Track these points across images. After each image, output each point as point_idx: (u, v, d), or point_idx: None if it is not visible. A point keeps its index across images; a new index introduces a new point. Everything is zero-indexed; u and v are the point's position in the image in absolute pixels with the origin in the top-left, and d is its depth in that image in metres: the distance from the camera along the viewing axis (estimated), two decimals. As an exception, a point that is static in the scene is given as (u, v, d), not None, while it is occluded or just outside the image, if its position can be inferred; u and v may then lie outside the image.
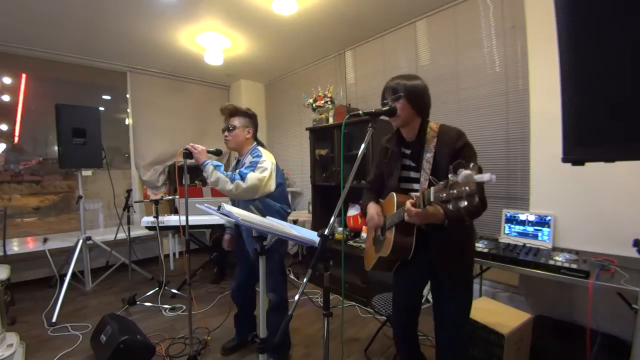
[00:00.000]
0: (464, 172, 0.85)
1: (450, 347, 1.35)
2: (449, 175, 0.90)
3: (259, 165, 1.78)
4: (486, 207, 1.15)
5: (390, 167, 1.39)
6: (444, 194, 0.91)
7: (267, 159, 1.83)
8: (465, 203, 0.85)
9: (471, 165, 0.85)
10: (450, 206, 0.89)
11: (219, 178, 1.71)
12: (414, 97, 1.26)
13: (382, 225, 1.36)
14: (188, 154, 1.75)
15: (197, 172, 4.45)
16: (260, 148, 1.93)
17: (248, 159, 1.85)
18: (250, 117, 1.96)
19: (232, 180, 1.72)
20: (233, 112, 1.92)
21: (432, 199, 0.98)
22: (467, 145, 1.22)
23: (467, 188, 0.84)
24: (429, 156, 1.24)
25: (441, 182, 0.94)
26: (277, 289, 1.94)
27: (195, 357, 1.89)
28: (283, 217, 1.87)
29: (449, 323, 1.34)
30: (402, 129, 1.35)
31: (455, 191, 0.87)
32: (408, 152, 1.35)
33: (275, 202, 1.88)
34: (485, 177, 0.81)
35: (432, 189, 0.99)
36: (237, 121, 1.89)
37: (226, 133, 1.89)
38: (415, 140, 1.32)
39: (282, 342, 2.01)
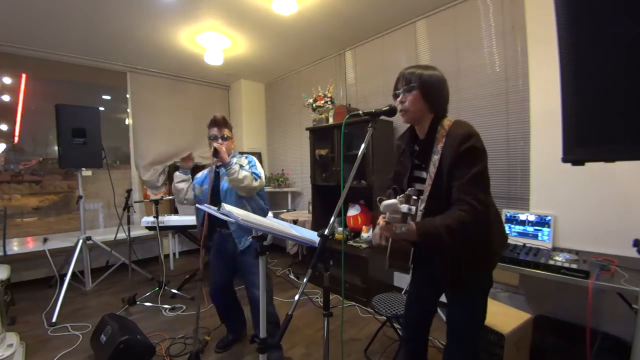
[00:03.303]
0: (384, 202, 0.94)
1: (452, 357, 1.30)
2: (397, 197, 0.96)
3: (257, 166, 1.98)
4: (473, 223, 1.05)
5: (404, 165, 1.33)
6: (392, 217, 0.95)
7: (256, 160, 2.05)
8: (403, 229, 0.93)
9: (408, 190, 0.93)
10: (395, 229, 0.95)
11: (247, 175, 1.87)
12: (429, 89, 1.17)
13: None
14: (216, 153, 1.88)
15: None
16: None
17: (241, 161, 1.99)
18: (231, 129, 2.15)
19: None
20: (226, 123, 2.07)
21: (387, 219, 0.99)
22: (468, 151, 1.08)
23: (395, 216, 0.93)
24: (435, 158, 1.15)
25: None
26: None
27: (197, 353, 1.90)
28: (266, 214, 2.08)
29: (453, 333, 1.29)
30: (415, 125, 1.26)
31: (392, 216, 0.94)
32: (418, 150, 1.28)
33: (262, 200, 2.06)
34: (403, 207, 0.92)
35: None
36: (228, 132, 2.05)
37: (220, 141, 1.99)
38: (425, 138, 1.22)
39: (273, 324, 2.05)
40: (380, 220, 1.09)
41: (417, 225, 1.02)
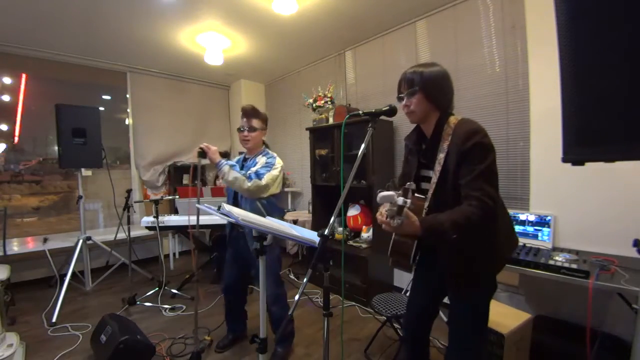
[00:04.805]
0: (380, 193, 0.94)
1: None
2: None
3: (274, 166, 1.90)
4: (482, 219, 1.02)
5: (410, 164, 1.33)
6: (390, 209, 0.93)
7: (279, 161, 1.95)
8: (398, 221, 0.91)
9: (407, 184, 0.93)
10: (392, 221, 0.93)
11: (237, 177, 1.78)
12: (432, 88, 1.17)
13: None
14: (203, 153, 1.80)
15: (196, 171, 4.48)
16: (269, 150, 2.05)
17: (261, 160, 1.93)
18: (266, 120, 2.05)
19: (249, 179, 1.80)
20: (254, 113, 1.96)
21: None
22: (475, 147, 1.07)
23: (393, 208, 0.91)
24: (441, 156, 1.14)
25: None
26: (277, 281, 2.02)
27: (199, 353, 1.90)
28: (282, 217, 1.98)
29: (454, 336, 1.26)
30: (422, 125, 1.27)
31: (391, 208, 0.93)
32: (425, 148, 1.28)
33: (278, 203, 1.98)
34: (399, 200, 0.90)
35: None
36: (257, 123, 1.96)
37: (246, 133, 1.93)
38: (432, 136, 1.22)
39: (288, 332, 2.07)
40: (381, 212, 1.07)
41: (421, 220, 1.00)
